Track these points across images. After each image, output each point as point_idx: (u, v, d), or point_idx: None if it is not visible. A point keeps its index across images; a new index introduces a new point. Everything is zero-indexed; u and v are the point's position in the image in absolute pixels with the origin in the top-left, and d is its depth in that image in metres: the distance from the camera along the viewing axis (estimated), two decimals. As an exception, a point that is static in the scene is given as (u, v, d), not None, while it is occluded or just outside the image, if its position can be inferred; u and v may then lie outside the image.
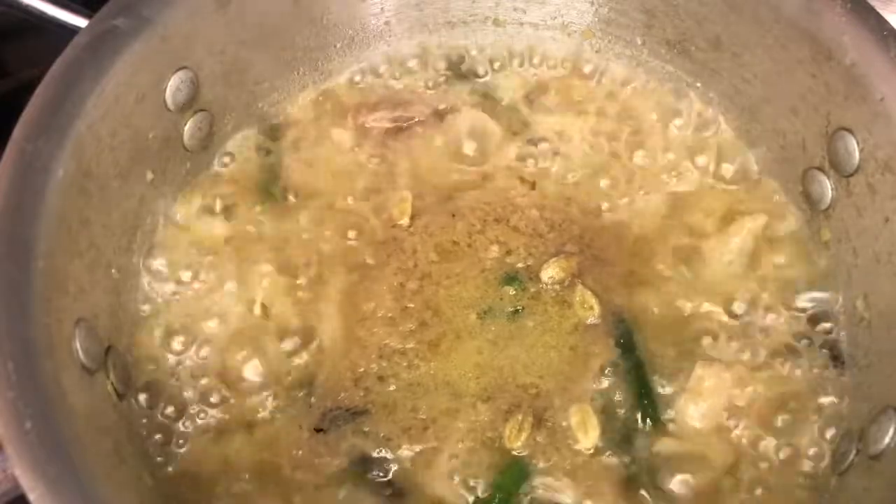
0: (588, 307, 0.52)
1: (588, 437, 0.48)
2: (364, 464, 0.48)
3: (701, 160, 0.57)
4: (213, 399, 0.49)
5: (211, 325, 0.51)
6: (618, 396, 0.50)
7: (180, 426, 0.49)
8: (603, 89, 0.60)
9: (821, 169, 0.52)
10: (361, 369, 0.50)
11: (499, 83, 0.60)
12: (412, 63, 0.61)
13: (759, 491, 0.48)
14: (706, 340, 0.51)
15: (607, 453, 0.48)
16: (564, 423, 0.49)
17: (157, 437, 0.48)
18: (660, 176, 0.57)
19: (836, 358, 0.51)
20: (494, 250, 0.54)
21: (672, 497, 0.47)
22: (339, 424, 0.49)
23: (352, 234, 0.54)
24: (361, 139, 0.58)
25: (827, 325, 0.52)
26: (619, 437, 0.49)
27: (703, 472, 0.48)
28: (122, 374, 0.47)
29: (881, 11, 0.49)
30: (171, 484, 0.47)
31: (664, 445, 0.49)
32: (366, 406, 0.50)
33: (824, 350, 0.51)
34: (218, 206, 0.55)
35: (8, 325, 0.39)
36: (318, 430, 0.49)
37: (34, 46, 0.60)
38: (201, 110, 0.53)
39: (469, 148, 0.58)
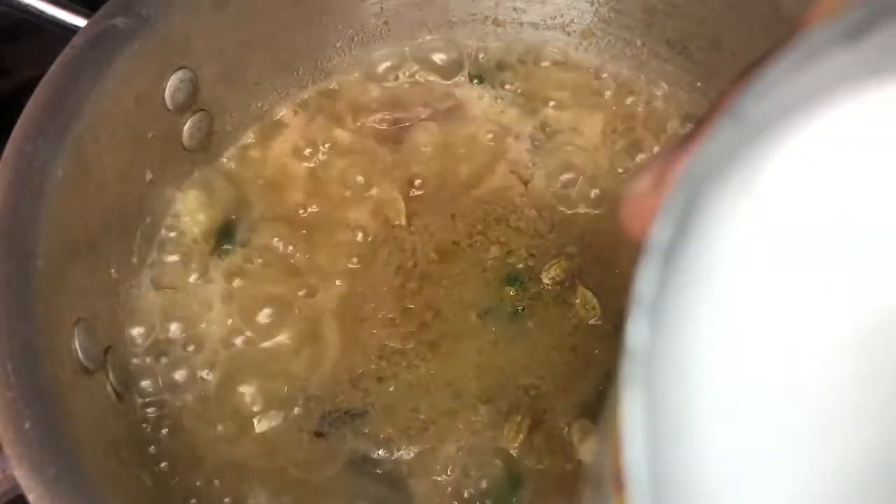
0: (591, 308, 0.52)
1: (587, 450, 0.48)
2: (364, 465, 0.48)
3: (701, 160, 0.57)
4: (212, 400, 0.49)
5: (210, 327, 0.51)
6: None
7: (180, 427, 0.48)
8: (603, 90, 0.60)
9: (821, 169, 0.52)
10: (361, 371, 0.50)
11: (498, 83, 0.60)
12: (412, 63, 0.60)
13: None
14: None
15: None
16: (562, 426, 0.49)
17: (157, 437, 0.48)
18: (660, 176, 0.57)
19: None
20: (495, 251, 0.54)
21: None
22: (338, 426, 0.49)
23: (352, 234, 0.54)
24: (361, 139, 0.58)
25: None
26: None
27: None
28: (121, 375, 0.47)
29: (882, 11, 0.49)
30: (171, 485, 0.47)
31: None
32: (365, 408, 0.49)
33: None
34: (217, 206, 0.55)
35: (8, 325, 0.39)
36: (318, 434, 0.49)
37: (34, 46, 0.60)
38: (200, 110, 0.53)
39: (469, 148, 0.58)
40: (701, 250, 0.23)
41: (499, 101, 0.60)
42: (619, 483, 0.21)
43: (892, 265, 0.23)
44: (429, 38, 0.61)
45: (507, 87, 0.60)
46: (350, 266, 0.53)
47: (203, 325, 0.51)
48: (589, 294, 0.52)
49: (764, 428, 0.23)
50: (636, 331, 0.21)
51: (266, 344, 0.51)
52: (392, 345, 0.51)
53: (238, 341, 0.51)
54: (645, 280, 0.21)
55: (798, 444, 0.23)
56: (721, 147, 0.22)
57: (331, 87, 0.60)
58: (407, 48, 0.61)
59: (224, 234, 0.54)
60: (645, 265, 0.21)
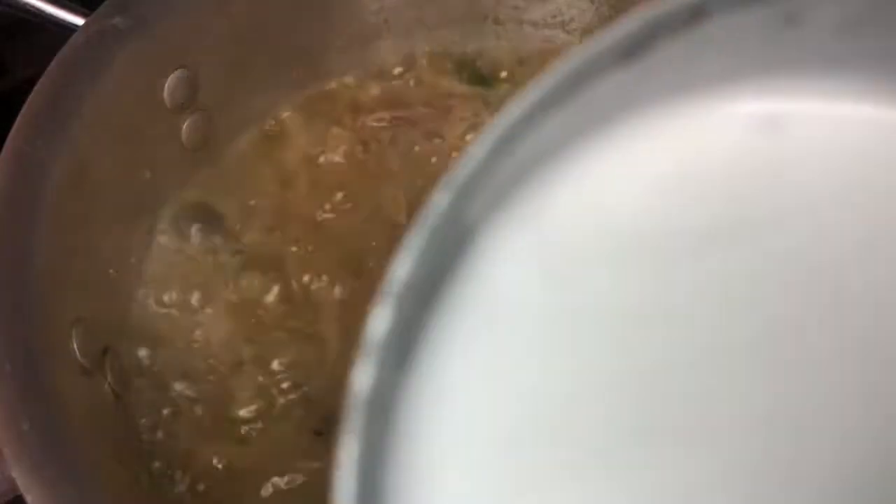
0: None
1: None
2: (364, 465, 0.48)
3: (702, 159, 0.57)
4: (211, 401, 0.49)
5: (209, 327, 0.51)
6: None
7: (178, 428, 0.48)
8: (603, 88, 0.60)
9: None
10: (361, 370, 0.50)
11: (498, 81, 0.60)
12: (412, 62, 0.60)
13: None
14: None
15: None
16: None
17: (155, 438, 0.48)
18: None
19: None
20: (494, 250, 0.54)
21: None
22: (338, 427, 0.49)
23: (352, 233, 0.54)
24: (361, 139, 0.57)
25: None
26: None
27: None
28: (119, 375, 0.47)
29: (882, 10, 0.49)
30: (169, 485, 0.47)
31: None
32: (365, 407, 0.49)
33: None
34: (216, 206, 0.55)
35: (6, 325, 0.39)
36: (318, 434, 0.49)
37: (33, 46, 0.60)
38: (199, 110, 0.53)
39: (468, 146, 0.57)
40: (465, 287, 0.21)
41: (499, 98, 0.59)
42: None
43: (677, 317, 0.21)
44: (428, 36, 0.61)
45: (507, 85, 0.60)
46: (350, 265, 0.53)
47: (201, 325, 0.51)
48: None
49: (517, 476, 0.22)
50: (360, 377, 0.19)
51: (265, 344, 0.51)
52: (392, 344, 0.51)
53: (236, 341, 0.51)
54: (376, 321, 0.19)
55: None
56: (481, 174, 0.20)
57: (330, 86, 0.60)
58: (406, 47, 0.60)
59: (223, 235, 0.54)
60: (378, 304, 0.19)
